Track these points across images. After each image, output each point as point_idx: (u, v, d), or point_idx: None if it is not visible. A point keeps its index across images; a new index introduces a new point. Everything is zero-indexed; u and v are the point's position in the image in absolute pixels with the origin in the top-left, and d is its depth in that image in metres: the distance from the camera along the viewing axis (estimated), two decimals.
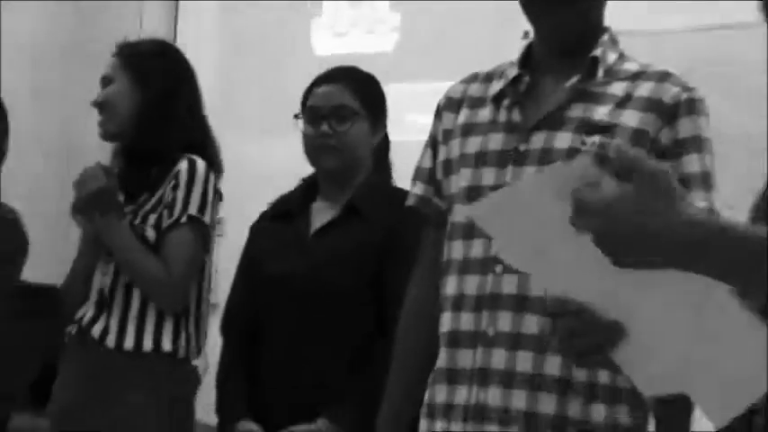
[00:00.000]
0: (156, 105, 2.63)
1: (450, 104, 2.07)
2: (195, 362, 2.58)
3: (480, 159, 1.94)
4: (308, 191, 2.66)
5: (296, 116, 2.64)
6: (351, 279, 2.52)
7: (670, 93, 1.90)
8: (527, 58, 1.99)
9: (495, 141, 1.94)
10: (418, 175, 2.09)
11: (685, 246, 1.04)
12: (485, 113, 1.99)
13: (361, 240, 2.54)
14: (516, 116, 1.94)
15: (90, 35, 4.42)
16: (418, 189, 2.08)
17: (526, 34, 2.20)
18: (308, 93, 2.64)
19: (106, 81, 2.68)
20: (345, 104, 2.61)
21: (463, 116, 2.03)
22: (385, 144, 2.76)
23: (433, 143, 2.08)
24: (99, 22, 4.55)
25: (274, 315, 2.59)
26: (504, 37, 3.49)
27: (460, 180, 1.96)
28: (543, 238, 1.23)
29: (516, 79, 1.94)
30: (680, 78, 1.96)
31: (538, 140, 1.89)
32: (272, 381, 2.58)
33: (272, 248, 2.66)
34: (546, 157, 1.87)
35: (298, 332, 2.55)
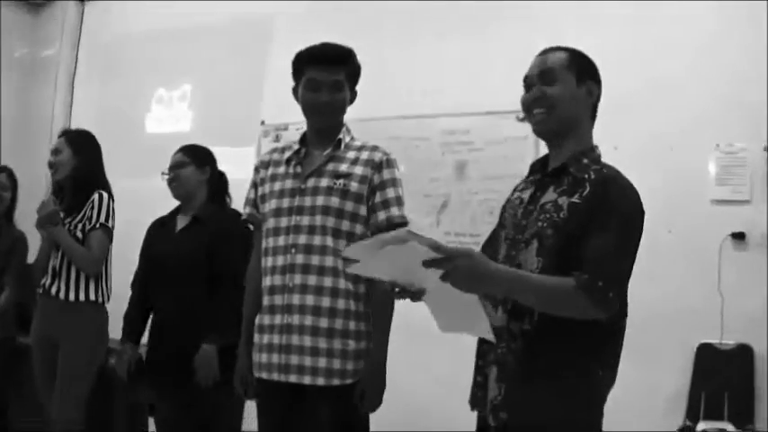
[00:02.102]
0: (85, 166, 4.42)
1: (262, 165, 3.22)
2: None
3: (281, 194, 3.07)
4: (175, 211, 4.12)
5: (162, 173, 4.11)
6: (195, 255, 3.87)
7: (377, 156, 3.04)
8: (304, 139, 3.15)
9: (288, 184, 3.07)
10: (248, 202, 3.26)
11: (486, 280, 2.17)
12: (282, 169, 3.12)
13: (200, 236, 3.92)
14: (299, 170, 3.08)
15: None
16: (247, 209, 3.26)
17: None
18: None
19: (56, 151, 4.39)
20: (182, 161, 4.05)
21: (271, 171, 3.15)
22: (216, 178, 4.14)
23: (254, 185, 3.23)
24: None
25: (156, 279, 4.00)
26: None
27: (271, 205, 3.08)
28: (389, 261, 2.17)
29: (298, 151, 3.12)
30: (383, 148, 3.11)
31: (310, 182, 3.03)
32: (156, 316, 3.98)
33: (157, 238, 4.12)
34: (315, 191, 3.00)
35: (171, 286, 3.90)
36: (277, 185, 3.11)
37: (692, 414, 4.69)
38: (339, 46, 3.11)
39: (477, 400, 2.52)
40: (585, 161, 2.46)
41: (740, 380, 4.67)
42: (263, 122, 6.33)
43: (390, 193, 3.04)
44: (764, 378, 4.64)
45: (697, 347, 4.79)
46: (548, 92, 2.48)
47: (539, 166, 2.61)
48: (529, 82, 2.54)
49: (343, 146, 3.09)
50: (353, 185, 3.02)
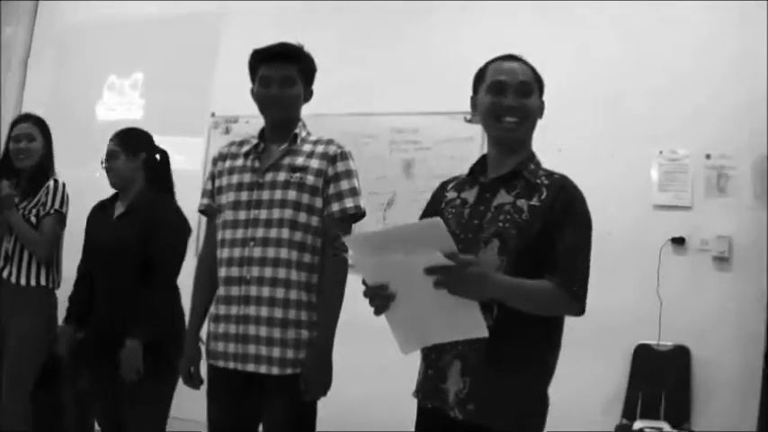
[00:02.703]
0: (49, 154, 4.46)
1: (220, 157, 3.26)
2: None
3: (239, 187, 3.12)
4: (113, 198, 3.98)
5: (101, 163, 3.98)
6: (127, 244, 3.75)
7: (332, 149, 3.09)
8: (262, 134, 3.18)
9: (246, 178, 3.12)
10: (204, 193, 3.28)
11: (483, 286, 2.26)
12: (240, 162, 3.16)
13: (134, 224, 3.79)
14: (257, 164, 3.13)
15: None
16: (204, 201, 3.27)
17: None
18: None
19: (29, 137, 4.37)
20: (114, 151, 3.89)
21: (228, 164, 3.19)
22: (153, 162, 3.97)
23: (212, 176, 3.25)
24: None
25: (93, 265, 3.93)
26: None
27: (229, 197, 3.12)
28: (390, 259, 2.23)
29: (256, 145, 3.16)
30: (338, 142, 3.15)
31: (268, 176, 3.08)
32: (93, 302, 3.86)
33: (96, 223, 3.99)
34: (273, 185, 3.04)
35: (104, 273, 3.84)
36: (235, 178, 3.16)
37: (629, 413, 4.80)
38: (291, 44, 3.16)
39: (428, 393, 2.59)
40: (532, 166, 2.59)
41: (677, 380, 4.79)
42: (213, 114, 6.34)
43: (344, 185, 3.09)
44: (701, 379, 4.77)
45: (635, 348, 4.90)
46: (526, 103, 2.58)
47: (479, 169, 2.69)
48: (503, 88, 2.59)
49: (299, 140, 3.14)
50: (309, 178, 3.07)
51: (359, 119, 5.66)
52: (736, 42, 4.92)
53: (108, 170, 3.94)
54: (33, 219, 4.31)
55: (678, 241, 4.90)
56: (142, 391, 3.67)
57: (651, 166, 5.05)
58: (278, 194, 3.05)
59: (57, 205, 4.33)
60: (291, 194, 3.04)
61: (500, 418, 2.44)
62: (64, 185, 4.39)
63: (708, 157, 4.91)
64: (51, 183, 4.36)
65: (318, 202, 3.08)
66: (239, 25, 6.30)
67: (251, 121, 5.83)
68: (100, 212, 4.04)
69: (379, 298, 2.35)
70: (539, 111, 2.63)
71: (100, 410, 3.97)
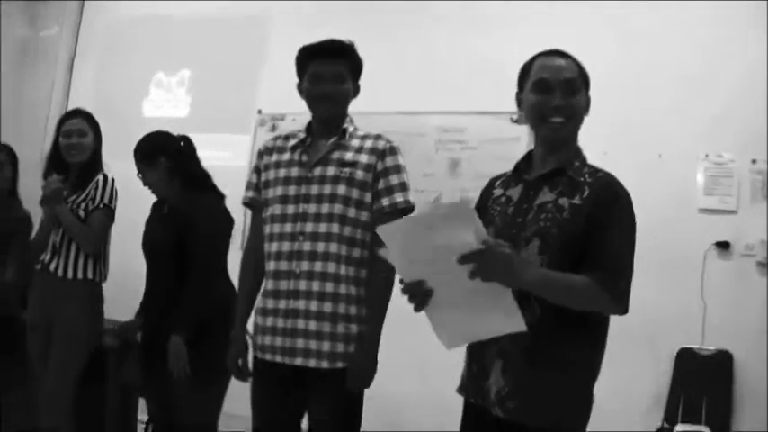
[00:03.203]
0: (100, 149, 4.52)
1: (266, 151, 3.26)
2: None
3: (287, 181, 3.12)
4: (160, 202, 4.12)
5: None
6: (168, 242, 3.90)
7: (381, 144, 3.11)
8: (309, 128, 3.19)
9: (294, 172, 3.12)
10: (249, 186, 3.28)
11: (517, 272, 2.24)
12: (287, 156, 3.18)
13: (174, 223, 3.92)
14: (304, 158, 3.13)
15: None
16: (249, 194, 3.27)
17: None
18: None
19: (81, 134, 4.42)
20: (139, 169, 4.07)
21: (275, 157, 3.20)
22: (176, 160, 4.03)
23: (257, 170, 3.26)
24: None
25: (147, 262, 4.05)
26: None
27: (276, 191, 3.12)
28: (424, 248, 2.22)
29: (304, 139, 3.17)
30: (386, 137, 3.17)
31: (317, 171, 3.09)
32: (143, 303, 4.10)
33: (149, 222, 4.13)
34: (322, 180, 3.06)
35: (151, 272, 4.01)
36: (282, 172, 3.16)
37: (671, 416, 4.79)
38: (340, 40, 3.17)
39: (471, 390, 2.61)
40: (577, 164, 2.56)
41: (719, 385, 4.77)
42: (259, 111, 6.38)
43: (394, 179, 3.10)
44: (743, 384, 4.75)
45: (678, 352, 4.89)
46: (572, 102, 2.56)
47: (524, 166, 2.67)
48: (548, 86, 2.56)
49: (347, 135, 3.15)
50: (359, 174, 3.08)
51: (406, 118, 5.67)
52: None
53: (145, 184, 4.08)
54: (82, 213, 4.36)
55: (723, 245, 4.88)
56: (189, 387, 3.74)
57: (697, 169, 5.04)
58: (327, 189, 3.07)
59: (106, 200, 4.39)
60: (341, 189, 3.06)
61: (540, 417, 2.43)
62: (113, 180, 4.45)
63: (754, 161, 4.90)
64: (101, 177, 4.42)
65: (368, 197, 3.09)
66: (286, 24, 6.33)
67: (297, 118, 5.82)
68: (152, 213, 4.17)
69: (418, 295, 2.35)
70: (585, 108, 2.60)
71: (150, 407, 4.03)
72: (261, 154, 3.29)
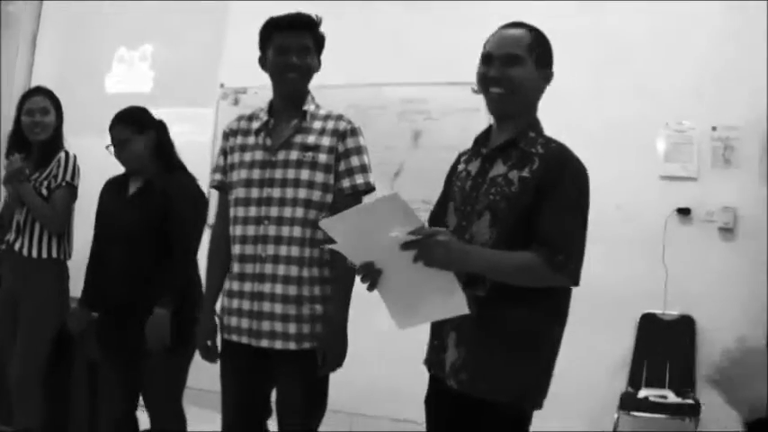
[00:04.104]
0: (59, 128, 4.47)
1: (231, 133, 3.25)
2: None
3: (251, 165, 3.13)
4: (124, 175, 3.97)
5: (107, 147, 3.92)
6: (149, 219, 3.77)
7: (342, 126, 3.10)
8: (271, 108, 3.17)
9: (258, 155, 3.13)
10: (217, 169, 3.29)
11: (456, 257, 2.28)
12: (251, 139, 3.17)
13: (153, 200, 3.81)
14: (268, 142, 3.13)
15: None
16: (217, 176, 3.27)
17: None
18: (110, 130, 3.90)
19: (44, 111, 4.38)
20: (125, 136, 3.85)
21: (240, 140, 3.20)
22: (158, 136, 3.92)
23: (223, 152, 3.26)
24: None
25: (112, 241, 3.87)
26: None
27: (240, 175, 3.13)
28: (368, 238, 2.31)
29: (267, 122, 3.15)
30: (347, 117, 3.16)
31: (281, 155, 3.08)
32: (108, 282, 3.85)
33: (111, 200, 3.99)
34: (286, 164, 3.06)
35: (123, 251, 3.81)
36: (247, 156, 3.16)
37: (635, 381, 4.87)
38: (306, 14, 3.16)
39: (433, 363, 2.63)
40: (532, 134, 2.53)
41: (682, 350, 4.85)
42: (222, 85, 6.36)
43: (355, 161, 3.11)
44: (705, 348, 4.83)
45: (640, 317, 4.96)
46: (509, 73, 2.52)
47: (483, 139, 2.66)
48: (489, 58, 2.56)
49: (308, 116, 3.14)
50: (321, 157, 3.08)
51: (368, 89, 5.68)
52: (743, 14, 4.93)
53: (120, 155, 3.92)
54: (45, 191, 4.34)
55: (684, 212, 4.95)
56: (162, 362, 3.73)
57: (657, 137, 5.08)
58: (291, 174, 3.07)
59: (68, 177, 4.37)
60: (304, 174, 3.06)
61: (491, 390, 2.43)
62: (75, 157, 4.42)
63: (714, 129, 4.95)
64: (63, 155, 4.40)
65: (331, 179, 3.10)
66: None
67: (259, 92, 5.82)
68: (113, 191, 4.04)
69: (369, 275, 2.40)
70: (532, 81, 2.54)
71: (115, 385, 3.98)
72: (226, 135, 3.28)
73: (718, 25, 4.99)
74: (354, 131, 3.14)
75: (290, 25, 3.13)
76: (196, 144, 5.72)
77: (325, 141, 3.10)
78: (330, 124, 3.13)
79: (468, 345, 2.47)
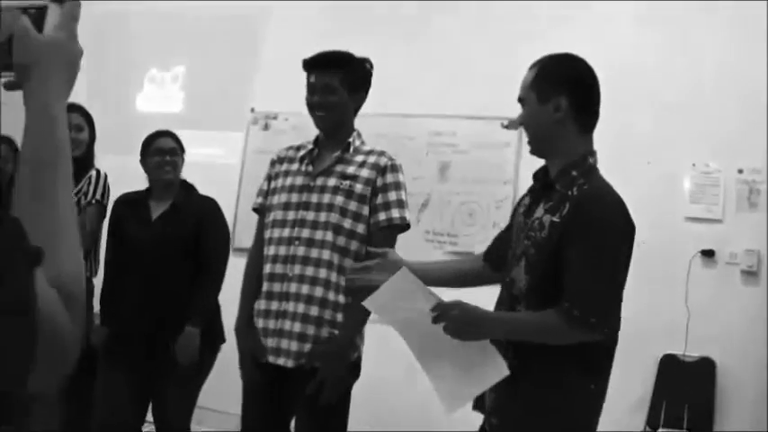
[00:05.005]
0: (92, 146, 4.50)
1: (278, 160, 3.35)
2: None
3: (290, 189, 3.22)
4: (144, 194, 4.12)
5: (143, 156, 4.11)
6: (182, 239, 3.95)
7: (383, 161, 3.18)
8: (317, 140, 3.28)
9: (298, 180, 3.22)
10: (260, 193, 3.37)
11: (478, 327, 2.31)
12: (295, 166, 3.27)
13: (182, 222, 3.99)
14: (310, 168, 3.23)
15: None
16: (259, 200, 3.36)
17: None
18: (153, 141, 4.11)
19: (78, 128, 4.37)
20: (175, 148, 4.08)
21: (285, 167, 3.30)
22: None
23: (268, 178, 3.34)
24: None
25: (137, 260, 3.97)
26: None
27: (280, 198, 3.22)
28: (408, 313, 2.38)
29: (311, 151, 3.26)
30: (389, 153, 3.24)
31: (319, 181, 3.18)
32: (132, 302, 3.94)
33: (132, 220, 4.08)
34: (323, 189, 3.15)
35: (150, 270, 3.92)
36: (288, 180, 3.25)
37: (653, 422, 4.85)
38: (334, 52, 3.23)
39: (477, 403, 2.60)
40: (574, 173, 2.43)
41: (701, 392, 4.83)
42: (252, 110, 6.41)
43: (392, 195, 3.17)
44: (725, 391, 4.81)
45: (661, 358, 4.94)
46: (521, 117, 2.55)
47: (540, 175, 2.57)
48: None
49: (352, 149, 3.22)
50: (358, 187, 3.16)
51: (397, 120, 5.70)
52: None
53: (169, 164, 4.07)
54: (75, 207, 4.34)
55: (708, 254, 4.94)
56: (181, 381, 3.83)
57: (684, 178, 5.09)
58: (326, 198, 3.15)
59: (98, 196, 4.40)
60: (339, 200, 3.14)
61: None
62: (106, 176, 4.46)
63: (740, 171, 4.96)
64: (94, 173, 4.43)
65: (365, 210, 3.16)
66: (280, 23, 6.34)
67: (290, 118, 5.96)
68: (134, 209, 4.13)
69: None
70: (534, 117, 2.50)
71: (127, 402, 4.00)
72: (273, 162, 3.37)
73: (750, 67, 4.99)
74: (395, 168, 3.21)
75: (315, 64, 3.23)
76: (225, 167, 5.78)
77: (364, 173, 3.17)
78: (372, 158, 3.21)
79: (500, 389, 2.42)
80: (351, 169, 3.18)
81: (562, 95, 2.45)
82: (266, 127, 6.24)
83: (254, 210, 3.41)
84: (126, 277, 4.03)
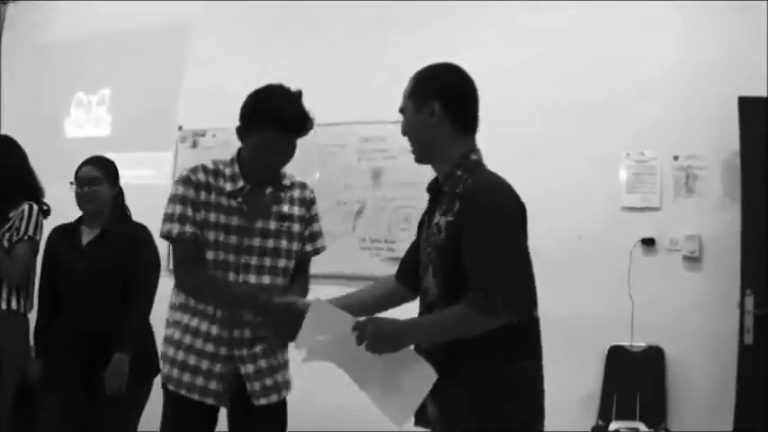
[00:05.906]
0: (10, 173, 4.30)
1: (202, 186, 2.99)
2: None
3: (227, 229, 3.00)
4: (76, 223, 4.17)
5: (71, 183, 4.08)
6: (111, 264, 3.97)
7: (307, 194, 3.20)
8: (242, 169, 3.03)
9: (234, 221, 3.01)
10: (185, 219, 2.96)
11: (395, 337, 2.37)
12: (224, 201, 3.01)
13: (111, 247, 4.02)
14: (245, 207, 3.02)
15: None
16: (189, 228, 2.96)
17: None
18: (78, 171, 4.09)
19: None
20: (96, 177, 4.07)
21: (214, 198, 3.00)
22: (120, 194, 4.20)
23: (192, 204, 2.97)
24: None
25: (70, 288, 4.01)
26: None
27: (218, 237, 2.99)
28: (334, 342, 2.46)
29: (242, 188, 3.01)
30: (309, 186, 3.23)
31: (259, 224, 3.04)
32: (65, 331, 3.95)
33: (64, 248, 4.11)
34: (265, 233, 3.04)
35: (82, 296, 3.95)
36: (222, 218, 3.02)
37: (605, 414, 4.83)
38: (304, 112, 3.03)
39: (418, 418, 2.60)
40: (459, 173, 2.52)
41: (651, 381, 4.82)
42: (180, 128, 6.32)
43: (316, 227, 3.25)
44: (675, 378, 4.81)
45: (608, 350, 4.93)
46: (402, 125, 2.66)
47: (433, 185, 2.67)
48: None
49: (283, 183, 3.15)
50: (295, 227, 3.18)
51: (327, 129, 5.61)
52: (704, 44, 4.99)
53: (88, 195, 4.06)
54: (6, 243, 4.24)
55: (648, 242, 4.94)
56: (116, 409, 3.80)
57: (619, 168, 5.08)
58: (270, 243, 3.09)
59: (30, 231, 4.26)
60: (283, 243, 3.12)
61: None
62: (38, 211, 4.33)
63: (675, 158, 4.96)
64: (26, 207, 4.29)
65: (298, 246, 3.20)
66: (204, 39, 6.28)
67: (218, 134, 5.88)
68: (66, 238, 4.14)
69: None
70: (413, 125, 2.62)
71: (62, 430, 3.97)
72: (196, 187, 3.02)
73: (681, 53, 5.04)
74: (314, 200, 3.27)
75: (289, 126, 2.98)
76: (154, 188, 5.65)
77: (296, 211, 3.17)
78: (297, 192, 3.20)
79: (438, 394, 2.45)
80: (285, 208, 3.15)
81: (435, 101, 2.55)
82: (194, 144, 6.16)
83: (185, 239, 2.99)
84: (59, 306, 4.04)
